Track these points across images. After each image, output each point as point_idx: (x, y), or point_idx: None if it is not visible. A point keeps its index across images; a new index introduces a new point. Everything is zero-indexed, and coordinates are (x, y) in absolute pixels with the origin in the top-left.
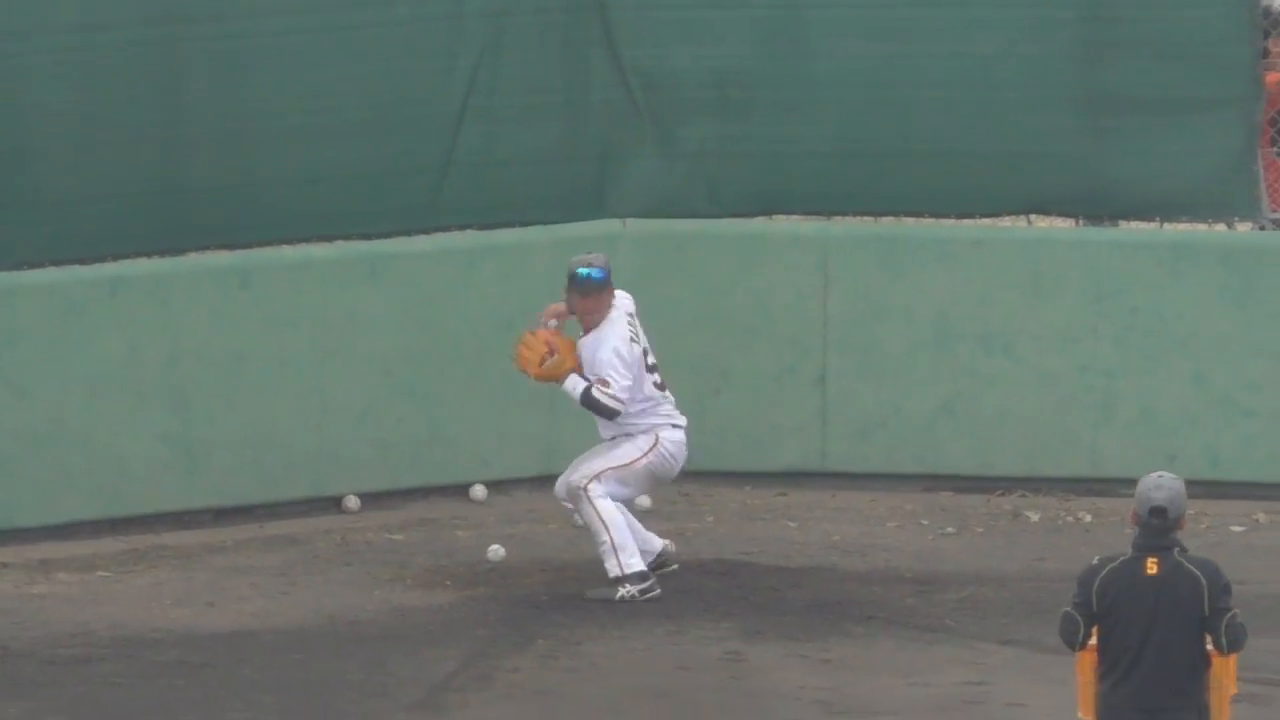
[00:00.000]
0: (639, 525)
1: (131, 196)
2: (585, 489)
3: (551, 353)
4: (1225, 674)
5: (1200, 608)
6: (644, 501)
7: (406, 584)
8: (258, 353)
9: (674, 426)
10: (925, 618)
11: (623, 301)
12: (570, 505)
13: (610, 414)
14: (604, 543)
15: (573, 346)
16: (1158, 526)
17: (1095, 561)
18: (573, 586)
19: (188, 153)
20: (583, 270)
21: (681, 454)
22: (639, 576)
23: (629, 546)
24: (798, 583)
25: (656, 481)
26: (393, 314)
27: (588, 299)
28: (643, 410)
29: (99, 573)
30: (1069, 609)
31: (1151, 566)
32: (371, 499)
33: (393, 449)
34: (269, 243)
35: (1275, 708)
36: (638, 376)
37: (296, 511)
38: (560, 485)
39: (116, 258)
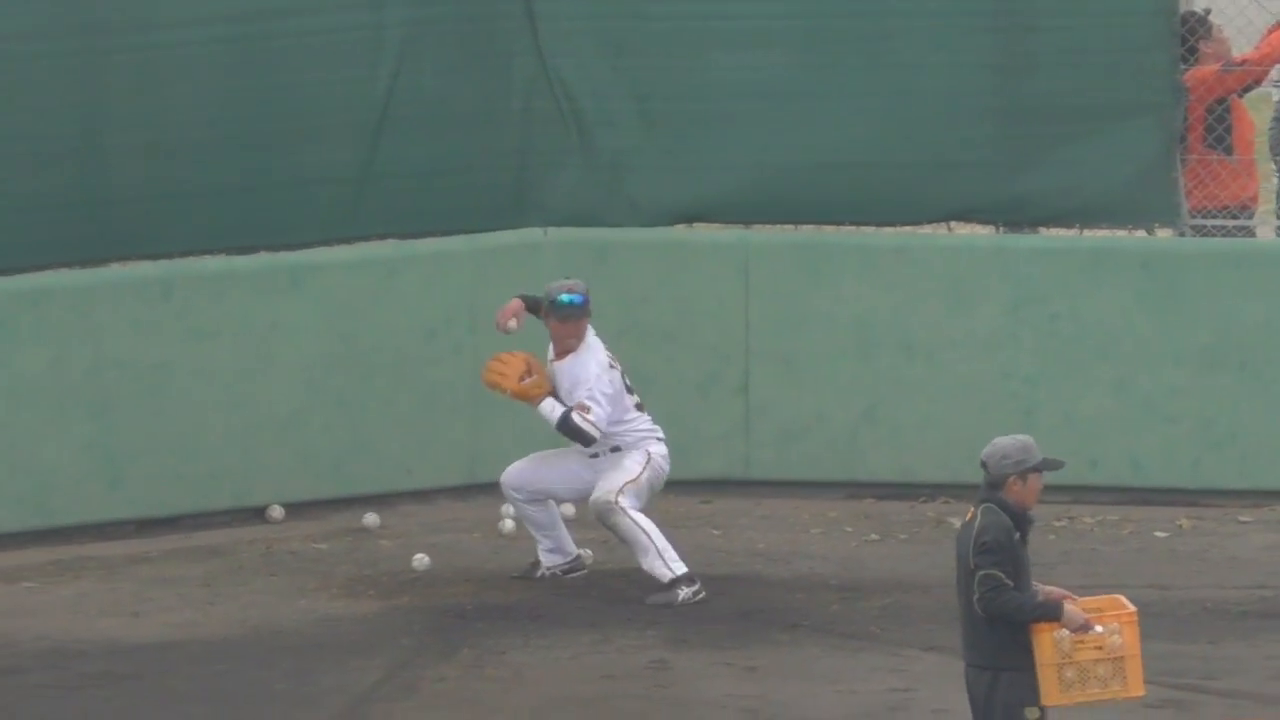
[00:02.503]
0: (564, 528)
1: (53, 208)
2: (616, 502)
3: (530, 372)
4: (1042, 646)
5: (968, 561)
6: (568, 509)
7: (331, 594)
8: (180, 363)
9: (659, 440)
10: (850, 625)
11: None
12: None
13: (587, 440)
14: (648, 550)
15: (543, 370)
16: (984, 479)
17: None
18: (497, 595)
19: (109, 163)
20: (565, 296)
21: (668, 465)
22: (689, 578)
23: (671, 550)
24: (722, 591)
25: (652, 494)
26: (314, 324)
27: (567, 324)
28: (627, 428)
29: (23, 584)
30: None
31: (969, 515)
32: (296, 509)
33: (316, 459)
34: (191, 253)
35: (1198, 713)
36: (617, 400)
37: (221, 522)
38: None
39: (38, 269)
